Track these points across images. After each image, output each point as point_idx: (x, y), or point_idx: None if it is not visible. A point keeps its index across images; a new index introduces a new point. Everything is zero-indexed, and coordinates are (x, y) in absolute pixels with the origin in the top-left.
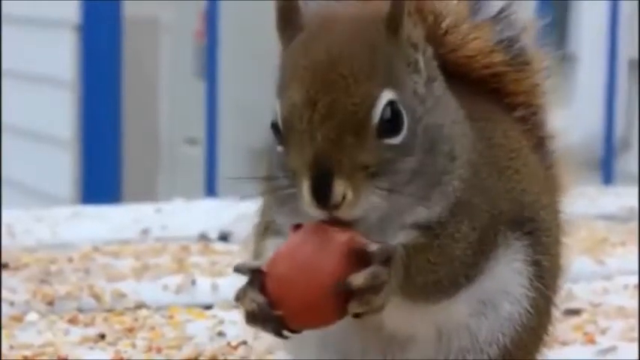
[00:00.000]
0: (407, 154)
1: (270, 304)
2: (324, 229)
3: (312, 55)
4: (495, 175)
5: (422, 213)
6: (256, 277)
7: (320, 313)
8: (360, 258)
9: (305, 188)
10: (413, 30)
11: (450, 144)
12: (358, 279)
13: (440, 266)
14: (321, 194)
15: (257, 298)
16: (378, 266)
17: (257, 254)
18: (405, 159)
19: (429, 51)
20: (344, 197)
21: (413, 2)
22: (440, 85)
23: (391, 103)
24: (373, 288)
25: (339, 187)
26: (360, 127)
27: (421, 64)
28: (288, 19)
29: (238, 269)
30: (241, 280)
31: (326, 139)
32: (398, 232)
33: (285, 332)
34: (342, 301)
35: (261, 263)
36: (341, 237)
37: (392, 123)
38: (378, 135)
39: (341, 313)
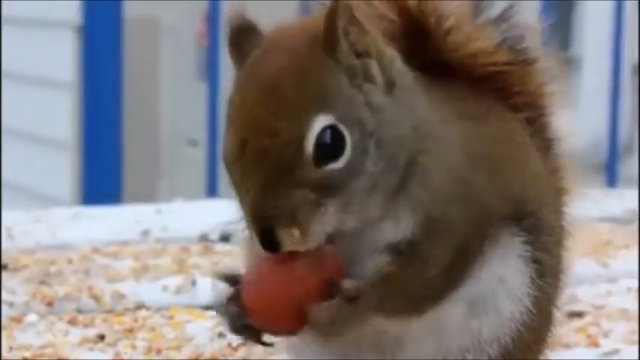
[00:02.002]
0: (356, 173)
1: (244, 314)
2: (293, 257)
3: (244, 92)
4: (487, 172)
5: (391, 230)
6: (233, 287)
7: (280, 324)
8: (330, 284)
9: (254, 237)
10: (358, 37)
11: (408, 152)
12: (319, 312)
13: (412, 292)
14: (268, 243)
15: (231, 309)
16: (342, 302)
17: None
18: (354, 179)
19: (389, 52)
20: (292, 236)
21: (356, 8)
22: (405, 88)
23: (328, 128)
24: (330, 322)
25: (283, 235)
26: (292, 164)
27: (374, 70)
28: (238, 44)
29: (219, 277)
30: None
31: (259, 187)
32: (372, 256)
33: (264, 339)
34: (303, 319)
35: (238, 273)
36: (316, 259)
37: (332, 147)
38: (316, 165)
39: (300, 328)
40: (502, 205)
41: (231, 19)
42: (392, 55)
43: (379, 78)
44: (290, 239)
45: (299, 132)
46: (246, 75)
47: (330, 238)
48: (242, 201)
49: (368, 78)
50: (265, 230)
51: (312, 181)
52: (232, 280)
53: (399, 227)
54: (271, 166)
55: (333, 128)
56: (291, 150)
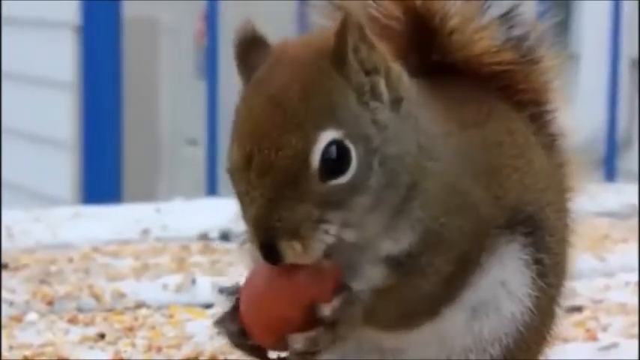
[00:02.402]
0: (359, 190)
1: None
2: (290, 269)
3: (252, 104)
4: (485, 181)
5: (390, 245)
6: (234, 303)
7: (272, 342)
8: (311, 311)
9: (256, 247)
10: (367, 54)
11: (411, 172)
12: (297, 342)
13: (407, 304)
14: (270, 256)
15: (230, 327)
16: (321, 331)
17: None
18: (357, 196)
19: (396, 68)
20: (294, 249)
21: (366, 23)
22: (411, 103)
23: (335, 143)
24: (310, 352)
25: (285, 246)
26: (298, 178)
27: (382, 87)
28: (246, 57)
29: (220, 291)
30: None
31: (264, 199)
32: (370, 267)
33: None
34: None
35: (238, 285)
36: (309, 275)
37: (337, 163)
38: (321, 179)
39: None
40: (499, 214)
41: (239, 32)
42: (399, 71)
43: (386, 95)
44: (292, 252)
45: (305, 146)
46: (253, 88)
47: (329, 251)
48: (245, 212)
49: (375, 95)
50: (267, 243)
51: (316, 196)
52: (233, 292)
53: (397, 241)
54: (277, 179)
55: (339, 143)
56: (296, 164)
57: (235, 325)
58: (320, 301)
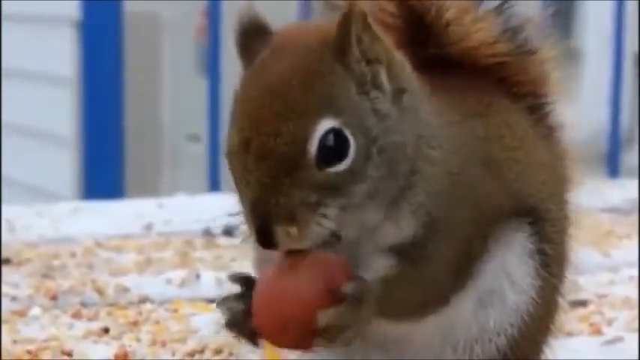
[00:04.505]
0: (357, 177)
1: (250, 315)
2: (310, 258)
3: (251, 90)
4: (488, 171)
5: (393, 233)
6: (245, 287)
7: (290, 339)
8: (334, 292)
9: (251, 231)
10: (370, 44)
11: (411, 160)
12: (325, 318)
13: (416, 293)
14: (265, 239)
15: (235, 305)
16: (348, 307)
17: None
18: (355, 183)
19: (399, 59)
20: (289, 234)
21: (370, 13)
22: (413, 93)
23: (333, 131)
24: (338, 327)
25: (280, 230)
26: (295, 164)
27: (382, 77)
28: (248, 44)
29: (230, 278)
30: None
31: (261, 183)
32: (374, 257)
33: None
34: (312, 331)
35: (249, 275)
36: (321, 269)
37: (335, 151)
38: (318, 167)
39: (310, 341)
40: (504, 202)
41: (241, 19)
42: (402, 61)
43: (387, 85)
44: (287, 237)
45: (303, 134)
46: (253, 74)
47: (331, 241)
48: (242, 196)
49: (376, 85)
50: (263, 227)
51: (313, 183)
52: (243, 281)
53: (400, 229)
54: (274, 165)
55: (337, 132)
56: (294, 151)
57: (240, 304)
58: (332, 296)
